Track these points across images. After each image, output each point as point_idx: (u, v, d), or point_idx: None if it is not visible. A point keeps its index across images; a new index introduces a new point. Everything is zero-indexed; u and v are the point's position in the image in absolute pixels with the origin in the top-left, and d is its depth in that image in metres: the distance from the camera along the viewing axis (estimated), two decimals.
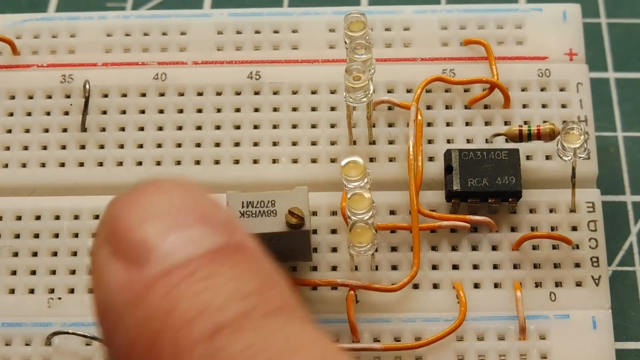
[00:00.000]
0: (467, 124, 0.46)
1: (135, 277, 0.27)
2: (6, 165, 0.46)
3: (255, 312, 0.27)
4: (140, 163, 0.45)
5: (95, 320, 0.28)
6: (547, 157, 0.45)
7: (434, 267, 0.44)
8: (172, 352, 0.26)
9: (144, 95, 0.47)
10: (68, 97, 0.47)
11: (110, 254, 0.28)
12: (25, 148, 0.46)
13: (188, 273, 0.27)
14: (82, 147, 0.46)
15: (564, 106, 0.46)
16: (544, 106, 0.46)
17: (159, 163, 0.45)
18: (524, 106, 0.46)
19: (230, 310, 0.26)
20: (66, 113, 0.46)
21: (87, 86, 0.46)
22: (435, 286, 0.43)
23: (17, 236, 0.44)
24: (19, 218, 0.45)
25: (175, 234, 0.28)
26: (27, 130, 0.46)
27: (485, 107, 0.46)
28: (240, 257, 0.28)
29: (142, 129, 0.46)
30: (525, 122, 0.46)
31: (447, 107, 0.46)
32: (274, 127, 0.46)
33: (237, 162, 0.45)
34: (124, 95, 0.47)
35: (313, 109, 0.46)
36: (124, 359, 0.27)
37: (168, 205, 0.28)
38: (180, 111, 0.46)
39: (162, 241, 0.28)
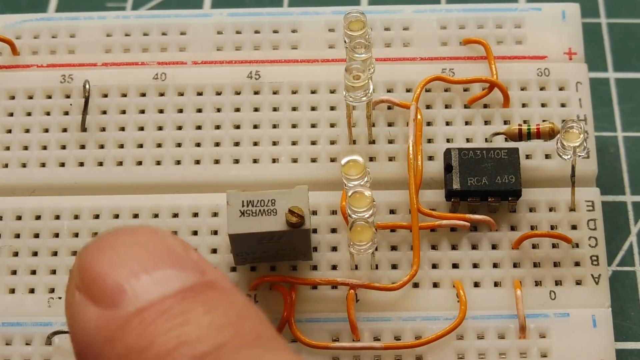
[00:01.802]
0: (466, 123, 0.46)
1: (111, 317, 0.28)
2: (6, 165, 0.46)
3: (230, 344, 0.28)
4: (140, 163, 0.46)
5: None
6: (547, 156, 0.45)
7: (434, 266, 0.44)
8: None
9: (143, 95, 0.47)
10: (68, 97, 0.47)
11: (84, 298, 0.29)
12: (25, 148, 0.46)
13: (163, 310, 0.28)
14: (82, 147, 0.46)
15: (563, 105, 0.46)
16: (543, 105, 0.46)
17: (159, 163, 0.45)
18: (524, 105, 0.46)
19: (207, 342, 0.27)
20: (66, 113, 0.47)
21: (87, 86, 0.46)
22: (435, 285, 0.43)
23: (18, 236, 0.44)
24: (19, 218, 0.45)
25: (147, 276, 0.29)
26: (27, 130, 0.46)
27: (485, 106, 0.46)
28: (212, 293, 0.29)
29: (142, 128, 0.46)
30: (525, 121, 0.46)
31: (446, 107, 0.46)
32: (274, 126, 0.46)
33: (237, 161, 0.45)
34: (124, 95, 0.47)
35: (313, 109, 0.46)
36: None
37: (138, 248, 0.29)
38: (180, 111, 0.46)
39: (134, 283, 0.29)
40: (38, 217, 0.45)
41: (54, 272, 0.44)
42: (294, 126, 0.46)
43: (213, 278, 0.30)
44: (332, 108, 0.46)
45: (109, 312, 0.28)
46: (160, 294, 0.28)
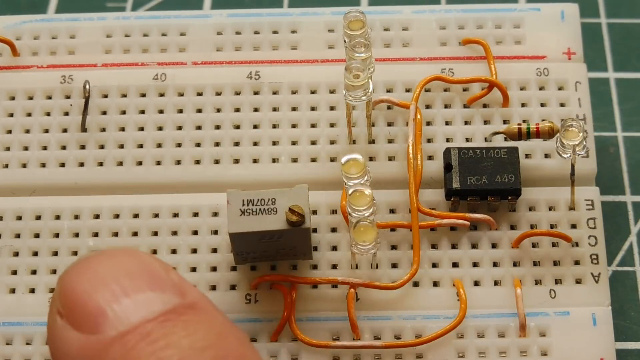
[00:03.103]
0: (466, 122, 0.46)
1: (92, 342, 0.28)
2: (6, 166, 0.46)
3: None
4: (140, 163, 0.46)
5: None
6: (546, 155, 0.45)
7: (434, 265, 0.44)
8: None
9: (143, 95, 0.47)
10: (68, 97, 0.47)
11: (65, 324, 0.29)
12: (26, 148, 0.46)
13: (144, 334, 0.28)
14: (82, 147, 0.46)
15: (562, 105, 0.47)
16: (542, 105, 0.47)
17: (159, 163, 0.46)
18: (523, 105, 0.47)
19: None
20: (66, 113, 0.47)
21: (87, 87, 0.46)
22: (435, 284, 0.43)
23: (18, 236, 0.44)
24: (19, 218, 0.45)
25: (127, 299, 0.29)
26: (27, 131, 0.46)
27: (484, 106, 0.46)
28: (192, 315, 0.29)
29: (142, 129, 0.46)
30: (524, 121, 0.46)
31: (446, 106, 0.47)
32: (274, 126, 0.46)
33: (237, 161, 0.45)
34: (124, 96, 0.47)
35: (312, 109, 0.46)
36: None
37: (118, 272, 0.30)
38: (180, 111, 0.46)
39: (115, 307, 0.29)
40: (38, 217, 0.45)
41: (54, 272, 0.44)
42: (293, 126, 0.46)
43: (194, 299, 0.30)
44: (332, 108, 0.46)
45: (91, 337, 0.29)
46: (141, 317, 0.29)
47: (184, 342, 0.28)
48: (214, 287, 0.43)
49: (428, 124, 0.46)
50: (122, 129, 0.46)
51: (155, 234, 0.44)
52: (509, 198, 0.44)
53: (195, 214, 0.44)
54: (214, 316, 0.30)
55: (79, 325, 0.29)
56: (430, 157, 0.45)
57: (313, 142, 0.46)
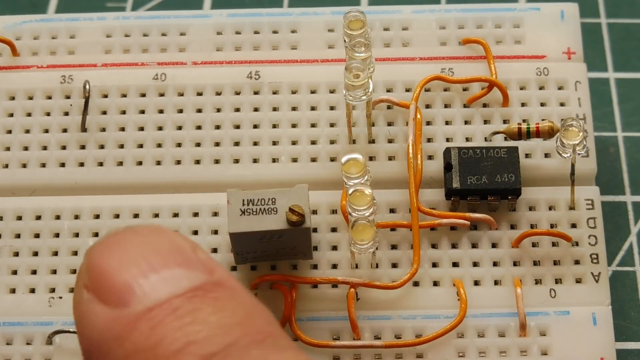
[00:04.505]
0: (466, 122, 0.46)
1: (119, 316, 0.28)
2: (6, 166, 0.46)
3: (239, 343, 0.28)
4: (140, 163, 0.46)
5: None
6: (546, 155, 0.45)
7: (434, 265, 0.44)
8: None
9: (143, 95, 0.47)
10: (68, 97, 0.47)
11: (92, 297, 0.29)
12: (26, 148, 0.46)
13: (171, 309, 0.28)
14: (82, 147, 0.46)
15: (562, 104, 0.46)
16: (542, 104, 0.47)
17: (159, 163, 0.46)
18: (523, 104, 0.47)
19: (216, 342, 0.27)
20: (66, 113, 0.47)
21: (87, 86, 0.46)
22: (435, 283, 0.43)
23: (18, 236, 0.44)
24: (19, 218, 0.45)
25: (155, 275, 0.29)
26: (27, 131, 0.46)
27: (484, 105, 0.46)
28: (220, 292, 0.29)
29: (142, 129, 0.46)
30: (524, 120, 0.46)
31: (446, 106, 0.47)
32: (274, 126, 0.46)
33: (237, 161, 0.45)
34: (124, 96, 0.47)
35: (312, 109, 0.46)
36: None
37: (147, 247, 0.29)
38: (180, 111, 0.46)
39: (143, 282, 0.28)
40: (38, 217, 0.45)
41: (54, 272, 0.44)
42: (293, 126, 0.46)
43: (221, 277, 0.30)
44: (332, 108, 0.46)
45: (118, 311, 0.28)
46: (169, 293, 0.28)
47: (212, 319, 0.28)
48: None
49: (428, 123, 0.46)
50: (122, 129, 0.46)
51: None
52: (509, 198, 0.44)
53: (195, 214, 0.44)
54: (241, 294, 0.30)
55: (106, 299, 0.29)
56: (430, 157, 0.45)
57: (313, 142, 0.46)
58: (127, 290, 0.28)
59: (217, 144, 0.46)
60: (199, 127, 0.46)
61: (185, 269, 0.29)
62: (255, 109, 0.46)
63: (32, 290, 0.43)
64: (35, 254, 0.44)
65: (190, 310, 0.28)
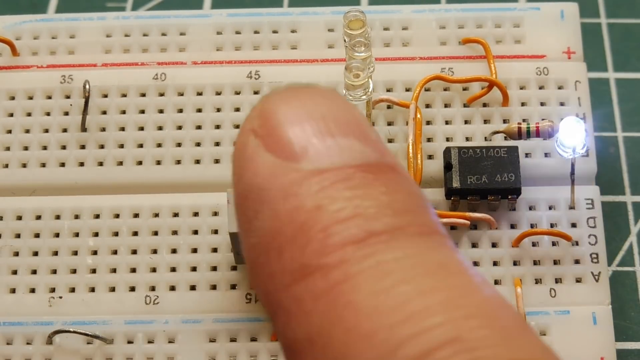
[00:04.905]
0: (466, 122, 0.46)
1: (288, 168, 0.26)
2: (6, 166, 0.46)
3: (408, 229, 0.26)
4: (140, 163, 0.46)
5: (235, 205, 0.27)
6: (546, 155, 0.45)
7: None
8: (319, 246, 0.25)
9: (143, 95, 0.47)
10: (68, 97, 0.47)
11: (259, 143, 0.27)
12: (26, 148, 0.46)
13: (344, 177, 0.26)
14: (82, 147, 0.46)
15: (562, 104, 0.46)
16: (542, 104, 0.46)
17: (159, 162, 0.46)
18: (523, 104, 0.47)
19: (385, 222, 0.25)
20: (66, 113, 0.47)
21: (87, 86, 0.46)
22: None
23: (18, 236, 0.44)
24: (19, 218, 0.45)
25: (331, 140, 0.27)
26: (27, 131, 0.46)
27: (484, 105, 0.46)
28: (393, 176, 0.27)
29: (142, 128, 0.46)
30: (524, 120, 0.46)
31: (446, 106, 0.47)
32: None
33: None
34: (124, 95, 0.47)
35: None
36: (267, 243, 0.26)
37: (327, 110, 0.27)
38: (180, 111, 0.46)
39: (317, 142, 0.27)
40: (38, 217, 0.45)
41: (54, 271, 0.44)
42: None
43: (393, 162, 0.28)
44: None
45: (287, 164, 0.26)
46: (343, 161, 0.26)
47: (383, 199, 0.26)
48: (214, 287, 0.43)
49: (428, 123, 0.46)
50: (122, 129, 0.46)
51: (156, 233, 0.44)
52: (509, 197, 0.44)
53: (196, 214, 0.44)
54: (413, 184, 0.27)
55: (276, 149, 0.27)
56: (430, 157, 0.45)
57: None
58: (300, 146, 0.26)
59: (217, 144, 0.46)
60: (199, 127, 0.46)
61: (362, 143, 0.27)
62: None
63: (32, 290, 0.43)
64: (35, 254, 0.44)
65: (362, 184, 0.26)
